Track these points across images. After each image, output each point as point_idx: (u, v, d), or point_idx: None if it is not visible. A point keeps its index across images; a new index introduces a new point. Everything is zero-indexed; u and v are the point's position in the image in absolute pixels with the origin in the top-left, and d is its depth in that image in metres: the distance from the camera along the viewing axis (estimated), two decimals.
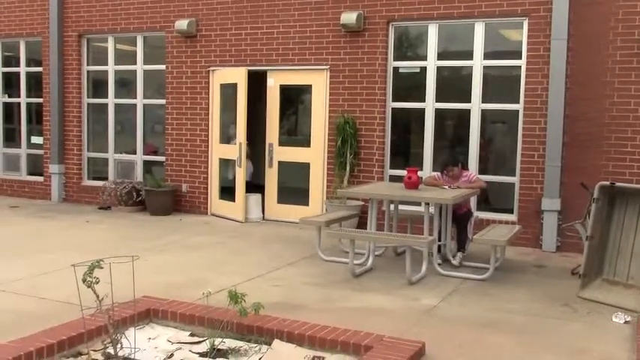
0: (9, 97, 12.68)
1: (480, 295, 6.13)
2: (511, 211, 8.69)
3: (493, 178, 8.73)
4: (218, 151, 10.48)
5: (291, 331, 4.48)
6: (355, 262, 6.79)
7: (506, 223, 8.25)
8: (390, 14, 9.18)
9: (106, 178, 11.45)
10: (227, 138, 10.66)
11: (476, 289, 6.33)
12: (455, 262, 7.27)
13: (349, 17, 9.21)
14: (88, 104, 11.78)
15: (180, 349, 4.46)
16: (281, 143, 10.15)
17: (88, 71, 11.72)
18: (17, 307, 5.47)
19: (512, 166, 8.73)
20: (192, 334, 4.70)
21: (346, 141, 9.27)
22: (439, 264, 7.01)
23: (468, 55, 8.90)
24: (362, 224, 8.87)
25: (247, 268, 6.94)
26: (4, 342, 4.16)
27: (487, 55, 8.82)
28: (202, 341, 4.51)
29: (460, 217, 7.51)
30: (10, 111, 12.71)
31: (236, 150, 10.03)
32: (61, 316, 4.82)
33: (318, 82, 9.72)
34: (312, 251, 7.64)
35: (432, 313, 5.51)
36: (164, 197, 10.48)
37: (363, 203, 9.08)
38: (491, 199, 8.93)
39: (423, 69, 9.20)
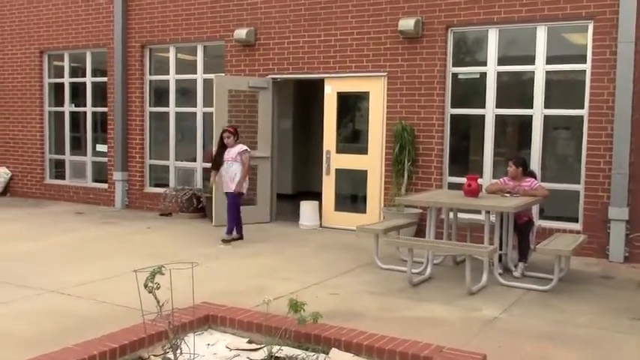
0: (75, 106, 13.12)
1: (543, 306, 5.95)
2: (575, 220, 8.42)
3: (556, 186, 8.46)
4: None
5: (349, 340, 4.43)
6: (413, 270, 6.70)
7: (570, 232, 7.99)
8: (449, 20, 9.06)
9: (167, 185, 11.69)
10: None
11: (539, 301, 6.14)
12: (516, 273, 7.07)
13: (407, 23, 9.14)
14: (150, 113, 12.07)
15: (239, 355, 4.47)
16: (338, 150, 10.13)
17: (150, 81, 12.02)
18: (80, 311, 5.62)
19: (577, 173, 8.46)
20: (250, 341, 4.71)
21: (404, 148, 9.19)
22: (500, 274, 6.85)
23: (530, 59, 8.69)
24: (420, 232, 8.76)
25: (304, 276, 6.94)
26: (68, 345, 4.27)
27: (550, 60, 8.58)
28: (260, 348, 4.51)
29: (521, 226, 7.31)
30: (77, 120, 13.15)
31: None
32: (122, 320, 4.91)
33: (376, 89, 9.67)
34: (370, 259, 7.59)
35: (493, 325, 5.37)
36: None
37: (421, 211, 8.97)
38: (555, 207, 8.65)
39: (483, 74, 9.03)
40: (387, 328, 4.88)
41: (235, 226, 8.85)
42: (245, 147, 8.89)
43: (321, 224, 10.18)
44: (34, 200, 12.95)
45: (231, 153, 8.80)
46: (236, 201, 8.82)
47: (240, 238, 8.87)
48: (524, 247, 7.24)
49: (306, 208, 10.23)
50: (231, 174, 8.78)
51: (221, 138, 8.93)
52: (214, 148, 9.29)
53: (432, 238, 7.16)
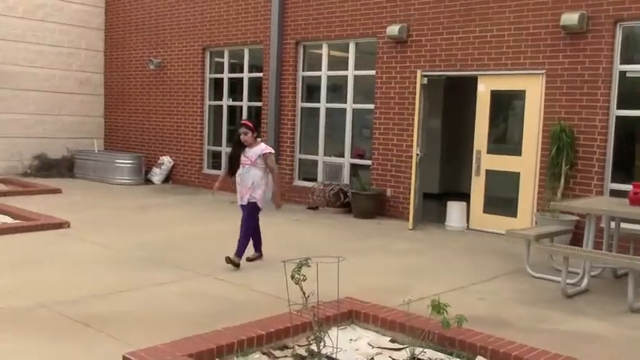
0: (233, 100, 13.78)
1: None
2: None
3: None
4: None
5: (496, 348, 4.26)
6: (568, 281, 6.30)
7: None
8: (617, 13, 8.40)
9: (314, 179, 11.93)
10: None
11: None
12: None
13: (570, 18, 8.59)
14: (302, 108, 12.38)
15: (381, 354, 4.45)
16: (489, 151, 9.77)
17: (302, 77, 12.33)
18: (231, 296, 5.89)
19: None
20: (392, 340, 4.67)
21: (561, 150, 8.66)
22: None
23: None
24: (575, 241, 8.21)
25: (449, 278, 6.77)
26: (219, 328, 4.48)
27: None
28: (402, 349, 4.46)
29: None
30: (233, 114, 13.80)
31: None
32: (269, 308, 5.07)
33: (533, 88, 9.21)
34: (519, 266, 7.24)
35: None
36: (369, 200, 10.65)
37: (578, 218, 8.41)
38: None
39: None
40: (537, 341, 4.62)
41: (255, 241, 7.27)
42: (269, 147, 7.15)
43: (468, 226, 9.89)
44: (193, 188, 13.78)
45: (249, 154, 6.97)
46: (256, 217, 7.19)
47: (260, 256, 7.34)
48: None
49: (454, 209, 9.99)
50: (247, 182, 6.96)
51: (237, 135, 7.16)
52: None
53: (591, 248, 6.69)
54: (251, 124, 7.02)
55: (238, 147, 7.05)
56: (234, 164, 7.07)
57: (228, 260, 6.79)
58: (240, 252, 6.92)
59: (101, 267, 6.76)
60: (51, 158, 15.16)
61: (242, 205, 7.11)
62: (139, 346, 4.16)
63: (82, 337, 4.65)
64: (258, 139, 7.14)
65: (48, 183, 13.24)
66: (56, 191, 12.26)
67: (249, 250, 7.17)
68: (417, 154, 9.86)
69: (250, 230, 7.09)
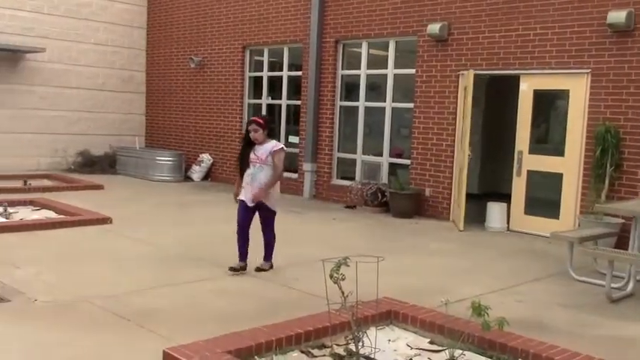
0: (272, 99, 13.84)
1: None
2: None
3: None
4: (460, 156, 10.26)
5: (538, 353, 4.18)
6: (612, 285, 6.14)
7: None
8: None
9: (352, 178, 11.90)
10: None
11: None
12: None
13: (617, 16, 8.38)
14: (340, 107, 12.36)
15: (419, 355, 4.41)
16: (531, 151, 9.60)
17: (341, 75, 12.30)
18: (269, 294, 5.90)
19: None
20: (431, 342, 4.62)
21: (606, 151, 8.46)
22: None
23: None
24: (620, 244, 8.00)
25: (489, 280, 6.67)
26: (258, 326, 4.50)
27: None
28: (442, 350, 4.41)
29: None
30: (272, 112, 13.86)
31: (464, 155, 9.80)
32: (308, 307, 5.07)
33: (577, 87, 9.01)
34: (561, 268, 7.10)
35: None
36: (407, 200, 10.57)
37: (623, 221, 8.20)
38: None
39: None
40: (580, 345, 4.52)
41: (267, 248, 6.67)
42: (280, 144, 6.61)
43: (508, 227, 9.74)
44: (232, 186, 13.73)
45: (259, 152, 6.45)
46: (274, 221, 6.65)
47: (271, 267, 6.68)
48: None
49: (494, 209, 9.85)
50: (259, 182, 6.41)
51: (247, 132, 6.63)
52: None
53: (636, 251, 6.51)
54: (262, 121, 6.49)
55: (248, 146, 6.54)
56: (244, 164, 6.53)
57: (259, 269, 6.56)
58: (268, 256, 6.65)
59: (141, 262, 6.86)
60: (94, 155, 15.48)
61: (247, 206, 6.49)
62: (178, 342, 4.21)
63: (122, 332, 4.73)
64: (269, 137, 6.66)
65: (91, 179, 13.51)
66: (98, 187, 12.50)
67: (256, 255, 6.66)
68: (469, 155, 9.72)
69: (270, 233, 6.62)
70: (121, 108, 16.21)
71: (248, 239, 6.54)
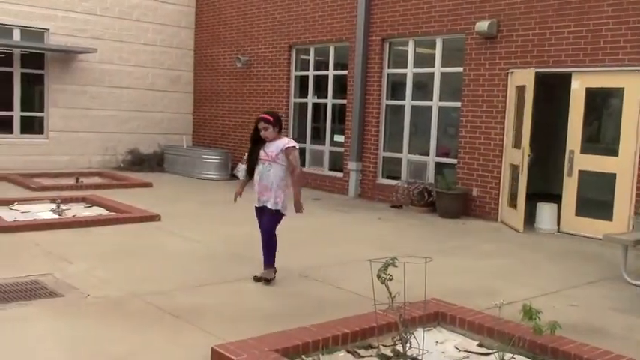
0: (317, 98, 13.85)
1: None
2: None
3: None
4: (510, 156, 10.07)
5: (592, 358, 4.06)
6: None
7: None
8: None
9: (398, 178, 11.82)
10: (518, 143, 10.18)
11: None
12: None
13: None
14: (387, 106, 12.28)
15: (468, 357, 4.34)
16: (583, 151, 9.36)
17: (388, 74, 12.22)
18: (316, 293, 5.89)
19: None
20: (480, 345, 4.55)
21: None
22: None
23: None
24: None
25: (539, 282, 6.53)
26: (306, 325, 4.50)
27: None
28: (491, 353, 4.34)
29: None
30: (318, 111, 13.88)
31: (519, 155, 9.55)
32: (355, 307, 5.05)
33: (632, 85, 8.74)
34: (615, 272, 6.90)
35: None
36: (454, 200, 10.43)
37: None
38: None
39: None
40: (635, 352, 4.39)
41: (268, 253, 6.15)
42: (292, 141, 6.09)
43: (559, 229, 9.51)
44: None
45: (269, 150, 5.98)
46: (276, 223, 6.14)
47: (275, 272, 6.18)
48: None
49: (544, 210, 9.65)
50: (268, 181, 5.98)
51: (255, 130, 6.07)
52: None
53: None
54: (271, 118, 5.98)
55: (257, 144, 6.07)
56: (253, 163, 6.09)
57: (257, 279, 6.08)
58: (269, 262, 6.14)
59: (189, 260, 6.95)
60: (143, 153, 15.77)
61: (259, 208, 6.15)
62: (226, 339, 4.24)
63: (171, 328, 4.79)
64: (280, 134, 6.13)
65: (140, 177, 13.77)
66: (147, 185, 12.73)
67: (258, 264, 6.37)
68: (529, 156, 9.51)
69: (271, 239, 6.12)
70: (169, 107, 16.48)
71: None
